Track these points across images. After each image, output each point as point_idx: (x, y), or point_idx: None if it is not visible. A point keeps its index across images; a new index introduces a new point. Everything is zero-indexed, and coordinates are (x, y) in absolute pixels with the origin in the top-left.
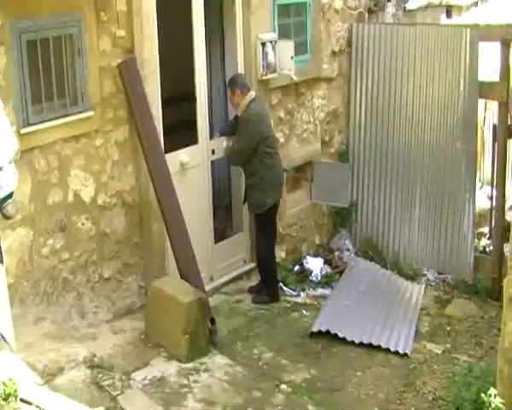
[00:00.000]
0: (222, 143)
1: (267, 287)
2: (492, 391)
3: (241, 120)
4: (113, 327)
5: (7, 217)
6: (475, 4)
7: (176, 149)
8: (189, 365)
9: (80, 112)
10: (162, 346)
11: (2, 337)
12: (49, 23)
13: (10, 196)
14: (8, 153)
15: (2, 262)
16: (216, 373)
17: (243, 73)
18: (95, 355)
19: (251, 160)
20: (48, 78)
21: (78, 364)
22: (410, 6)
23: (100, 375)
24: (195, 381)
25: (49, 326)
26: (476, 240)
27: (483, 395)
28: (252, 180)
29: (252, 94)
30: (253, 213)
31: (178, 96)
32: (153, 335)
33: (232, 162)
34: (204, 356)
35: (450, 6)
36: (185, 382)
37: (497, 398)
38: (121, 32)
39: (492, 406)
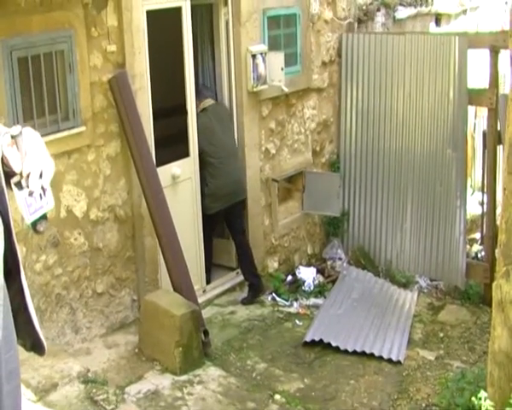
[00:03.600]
0: None
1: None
2: (483, 394)
3: None
4: (107, 342)
5: (38, 232)
6: (464, 12)
7: (167, 162)
8: (183, 377)
9: (72, 127)
10: (156, 359)
11: None
12: (39, 39)
13: (46, 215)
14: (49, 174)
15: None
16: (210, 385)
17: (233, 84)
18: (88, 370)
19: (200, 166)
20: (39, 94)
21: (72, 379)
22: (399, 15)
23: (94, 390)
24: (189, 393)
25: None
26: (468, 246)
27: (473, 398)
28: (202, 184)
29: (205, 103)
30: None
31: (170, 110)
32: (146, 348)
33: None
34: (198, 368)
35: (439, 14)
36: (179, 394)
37: (488, 401)
38: (112, 47)
39: (483, 409)
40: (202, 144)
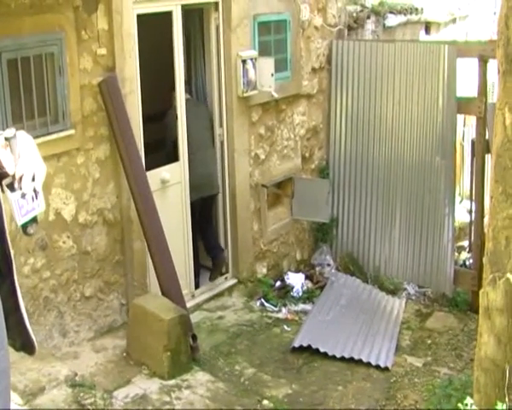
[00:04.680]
0: None
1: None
2: (468, 401)
3: None
4: (95, 345)
5: (28, 234)
6: (453, 21)
7: (157, 166)
8: (171, 382)
9: (61, 130)
10: (144, 363)
11: None
12: (29, 41)
13: (36, 217)
14: (41, 177)
15: None
16: (198, 390)
17: (223, 89)
18: (76, 374)
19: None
20: (29, 96)
21: (60, 383)
22: (389, 23)
23: (81, 394)
24: (178, 398)
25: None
26: (456, 253)
27: (460, 405)
28: None
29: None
30: None
31: (159, 114)
32: (134, 352)
33: None
34: (186, 373)
35: (429, 23)
36: (167, 399)
37: (474, 407)
38: (102, 51)
39: None
40: (175, 134)
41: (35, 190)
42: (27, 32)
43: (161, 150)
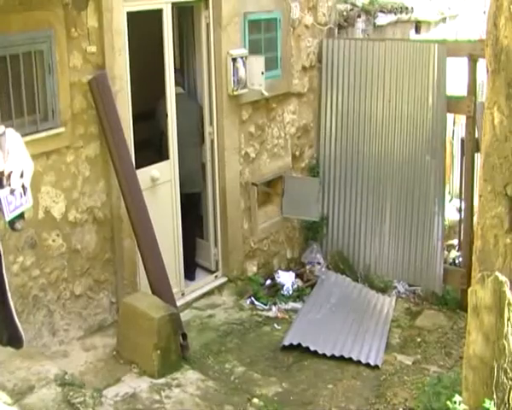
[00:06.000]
0: None
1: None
2: (457, 398)
3: None
4: (85, 344)
5: (15, 230)
6: (444, 20)
7: (147, 164)
8: (161, 380)
9: (51, 128)
10: (134, 362)
11: None
12: (18, 39)
13: (23, 214)
14: (29, 174)
15: None
16: (188, 388)
17: (213, 87)
18: (66, 373)
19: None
20: (18, 94)
21: (49, 382)
22: (379, 22)
23: (71, 393)
24: (167, 396)
25: None
26: (446, 252)
27: (448, 402)
28: None
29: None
30: None
31: (150, 112)
32: (124, 351)
33: None
34: (176, 371)
35: (419, 22)
36: (157, 397)
37: (462, 405)
38: (92, 49)
39: None
40: (162, 127)
41: (23, 187)
42: (16, 29)
43: (152, 148)
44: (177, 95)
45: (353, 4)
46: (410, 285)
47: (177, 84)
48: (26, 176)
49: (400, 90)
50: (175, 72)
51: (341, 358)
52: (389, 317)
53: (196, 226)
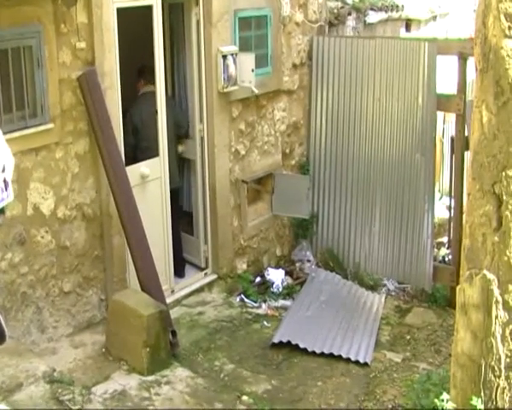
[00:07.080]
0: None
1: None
2: (445, 396)
3: None
4: (74, 341)
5: None
6: (434, 19)
7: (136, 161)
8: (151, 378)
9: (40, 124)
10: (123, 359)
11: None
12: (7, 34)
13: (4, 209)
14: (11, 168)
15: None
16: (177, 386)
17: (203, 84)
18: (54, 370)
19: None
20: (6, 89)
21: (38, 379)
22: (370, 20)
23: (60, 390)
24: (157, 394)
25: (8, 341)
26: (436, 250)
27: (436, 400)
28: None
29: (145, 88)
30: None
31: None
32: (114, 348)
33: None
34: (165, 369)
35: (410, 20)
36: (146, 395)
37: (450, 403)
38: (82, 45)
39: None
40: (136, 123)
41: (5, 181)
42: (5, 24)
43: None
44: (150, 93)
45: (344, 2)
46: (399, 283)
47: (149, 82)
48: (7, 171)
49: (390, 88)
50: (147, 69)
51: (331, 355)
52: (379, 314)
53: (180, 221)
